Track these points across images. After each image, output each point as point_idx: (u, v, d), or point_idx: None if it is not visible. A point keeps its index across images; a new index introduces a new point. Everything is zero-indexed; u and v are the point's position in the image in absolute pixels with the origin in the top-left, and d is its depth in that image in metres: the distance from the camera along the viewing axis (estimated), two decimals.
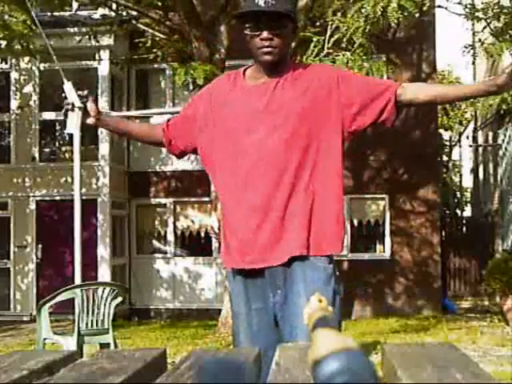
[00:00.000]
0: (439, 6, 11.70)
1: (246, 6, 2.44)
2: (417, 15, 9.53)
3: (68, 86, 3.08)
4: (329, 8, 9.77)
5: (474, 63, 13.92)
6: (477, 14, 9.94)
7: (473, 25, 12.64)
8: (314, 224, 2.37)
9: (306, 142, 2.37)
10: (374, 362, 0.80)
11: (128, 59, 13.14)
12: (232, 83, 2.51)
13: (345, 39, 9.10)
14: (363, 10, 8.79)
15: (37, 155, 13.62)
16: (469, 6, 10.33)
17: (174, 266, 14.02)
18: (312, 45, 9.27)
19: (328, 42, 9.36)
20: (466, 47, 10.64)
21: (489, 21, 9.77)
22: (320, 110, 2.40)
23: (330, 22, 9.46)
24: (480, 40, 10.19)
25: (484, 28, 10.08)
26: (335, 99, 2.40)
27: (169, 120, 2.77)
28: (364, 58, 9.18)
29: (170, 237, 14.13)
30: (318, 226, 2.37)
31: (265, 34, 2.37)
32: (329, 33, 9.46)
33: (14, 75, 13.80)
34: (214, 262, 13.68)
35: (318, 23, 9.85)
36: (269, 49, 2.38)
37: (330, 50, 9.28)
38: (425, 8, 9.59)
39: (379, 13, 8.59)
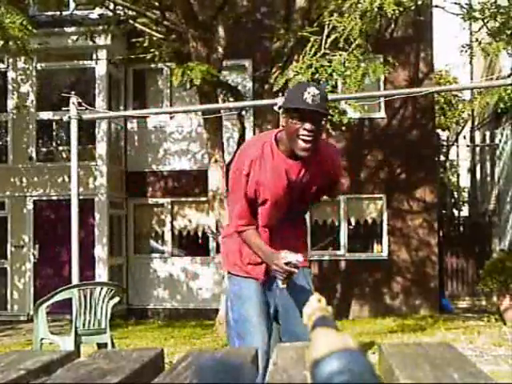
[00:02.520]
0: (436, 6, 11.70)
1: (294, 100, 3.01)
2: (413, 8, 9.50)
3: None
4: (325, 9, 9.75)
5: (471, 63, 13.93)
6: (474, 13, 9.93)
7: (470, 25, 12.63)
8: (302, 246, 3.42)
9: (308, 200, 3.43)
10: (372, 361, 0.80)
11: (125, 59, 13.12)
12: (271, 153, 3.16)
13: (342, 39, 9.09)
14: (359, 6, 8.77)
15: (34, 155, 13.60)
16: (466, 6, 10.32)
17: (172, 266, 14.00)
18: (309, 45, 9.26)
19: (325, 42, 9.35)
20: (464, 47, 10.63)
21: (486, 20, 9.76)
22: (324, 180, 3.31)
23: (327, 23, 9.44)
24: (477, 40, 10.17)
25: (480, 28, 10.07)
26: (328, 177, 3.32)
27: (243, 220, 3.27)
28: (361, 58, 9.16)
29: (168, 236, 14.12)
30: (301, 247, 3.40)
31: (307, 126, 2.99)
32: (325, 33, 9.45)
33: (11, 75, 13.77)
34: (212, 261, 13.67)
35: (315, 24, 9.83)
36: (308, 140, 3.01)
37: (327, 51, 9.26)
38: (419, 2, 9.56)
39: (376, 9, 8.58)
